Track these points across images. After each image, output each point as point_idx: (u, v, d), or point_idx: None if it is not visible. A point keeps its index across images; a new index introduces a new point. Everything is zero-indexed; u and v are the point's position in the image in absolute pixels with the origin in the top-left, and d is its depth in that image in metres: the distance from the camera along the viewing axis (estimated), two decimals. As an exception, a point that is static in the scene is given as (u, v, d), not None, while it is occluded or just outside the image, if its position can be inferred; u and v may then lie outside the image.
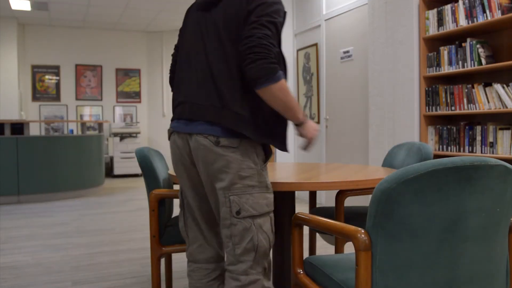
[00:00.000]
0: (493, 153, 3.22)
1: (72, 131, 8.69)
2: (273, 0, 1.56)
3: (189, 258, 1.77)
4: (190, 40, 1.68)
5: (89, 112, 9.50)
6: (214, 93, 1.57)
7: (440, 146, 3.65)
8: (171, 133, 1.72)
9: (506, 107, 3.10)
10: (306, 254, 3.27)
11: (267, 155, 1.63)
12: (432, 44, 3.76)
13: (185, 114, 1.64)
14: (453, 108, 3.51)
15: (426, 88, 3.73)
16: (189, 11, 1.77)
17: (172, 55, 1.86)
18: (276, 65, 1.48)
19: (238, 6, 1.55)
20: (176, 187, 2.18)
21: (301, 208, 5.29)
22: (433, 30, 3.64)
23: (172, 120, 1.73)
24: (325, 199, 5.52)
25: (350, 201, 4.76)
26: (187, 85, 1.66)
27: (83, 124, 8.08)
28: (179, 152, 1.68)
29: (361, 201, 4.60)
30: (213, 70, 1.58)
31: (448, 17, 3.51)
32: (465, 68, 3.38)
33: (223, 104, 1.55)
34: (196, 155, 1.61)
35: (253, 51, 1.47)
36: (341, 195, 2.15)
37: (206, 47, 1.61)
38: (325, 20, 5.39)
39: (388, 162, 2.67)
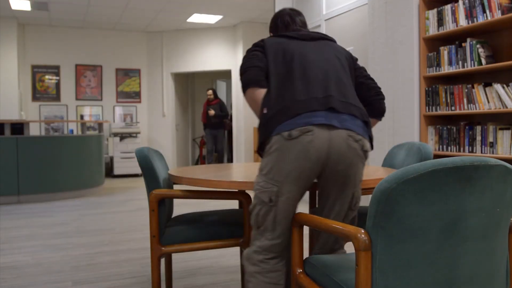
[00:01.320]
0: (493, 153, 3.22)
1: (72, 131, 8.69)
2: None
3: (272, 250, 1.75)
4: (308, 57, 1.81)
5: (89, 112, 9.50)
6: (351, 96, 1.76)
7: (440, 146, 3.65)
8: (308, 130, 1.61)
9: (506, 107, 3.10)
10: (306, 254, 3.27)
11: None
12: (432, 44, 3.76)
13: (329, 105, 1.65)
14: (453, 108, 3.51)
15: (426, 88, 3.73)
16: (284, 39, 1.91)
17: (253, 66, 1.84)
18: None
19: (339, 47, 1.94)
20: (176, 187, 2.18)
21: (301, 208, 5.29)
22: (433, 30, 3.64)
23: (297, 113, 1.63)
24: (325, 199, 5.51)
25: (350, 201, 4.75)
26: (324, 87, 1.71)
27: (83, 124, 8.07)
28: (313, 152, 1.61)
29: (361, 201, 4.60)
30: (346, 85, 1.78)
31: (448, 17, 3.51)
32: (465, 68, 3.38)
33: (357, 104, 1.75)
34: (343, 157, 1.64)
35: (381, 91, 1.95)
36: (341, 195, 2.15)
37: (326, 64, 1.80)
38: (325, 20, 5.39)
39: (388, 162, 2.67)
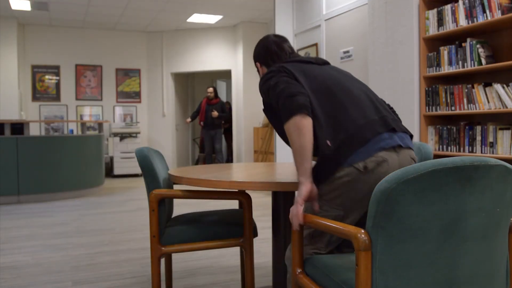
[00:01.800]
0: (493, 153, 3.22)
1: (72, 131, 8.69)
2: None
3: None
4: (341, 79, 1.78)
5: (89, 112, 9.50)
6: (392, 113, 1.80)
7: (440, 146, 3.65)
8: (383, 160, 1.58)
9: (506, 107, 3.10)
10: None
11: None
12: (432, 44, 3.76)
13: (390, 125, 1.66)
14: (453, 108, 3.51)
15: (426, 88, 3.73)
16: (304, 64, 1.85)
17: (301, 92, 1.66)
18: None
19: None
20: (176, 187, 2.18)
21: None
22: (433, 30, 3.64)
23: (366, 139, 1.59)
24: (325, 199, 5.51)
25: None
26: (368, 108, 1.70)
27: (83, 124, 8.07)
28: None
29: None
30: (384, 103, 1.85)
31: (448, 17, 3.51)
32: (465, 68, 3.38)
33: (399, 119, 1.79)
34: None
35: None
36: (341, 195, 2.15)
37: (358, 84, 1.81)
38: (325, 20, 5.39)
39: (388, 162, 2.67)
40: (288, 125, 1.61)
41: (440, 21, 3.58)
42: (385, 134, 1.63)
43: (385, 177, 1.23)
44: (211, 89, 8.63)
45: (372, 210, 1.24)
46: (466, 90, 3.40)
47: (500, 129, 3.18)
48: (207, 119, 8.60)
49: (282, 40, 2.03)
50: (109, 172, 9.40)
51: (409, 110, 3.82)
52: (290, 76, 1.74)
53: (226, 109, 8.71)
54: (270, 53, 1.98)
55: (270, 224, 4.56)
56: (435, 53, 3.64)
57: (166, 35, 9.62)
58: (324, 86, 1.71)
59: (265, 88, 1.77)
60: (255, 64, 2.07)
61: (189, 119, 8.83)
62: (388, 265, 1.24)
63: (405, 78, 3.87)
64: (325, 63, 1.91)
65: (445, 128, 3.61)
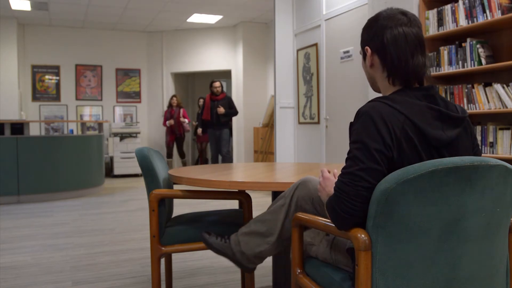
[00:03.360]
0: (493, 153, 3.22)
1: (72, 131, 8.69)
2: None
3: None
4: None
5: (89, 112, 9.50)
6: None
7: (440, 146, 3.65)
8: None
9: (506, 107, 3.10)
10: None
11: None
12: (432, 44, 3.76)
13: None
14: (453, 108, 3.51)
15: (426, 88, 3.73)
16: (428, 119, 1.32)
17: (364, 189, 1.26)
18: None
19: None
20: (176, 187, 2.18)
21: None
22: (433, 30, 3.64)
23: None
24: (325, 199, 5.51)
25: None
26: None
27: (83, 124, 8.08)
28: None
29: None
30: None
31: (448, 17, 3.51)
32: (465, 68, 3.38)
33: None
34: None
35: None
36: (341, 195, 2.15)
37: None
38: (325, 20, 5.39)
39: (388, 162, 2.67)
40: (328, 209, 1.36)
41: (440, 21, 3.58)
42: None
43: (385, 177, 1.23)
44: (218, 83, 7.60)
45: (372, 210, 1.24)
46: (466, 90, 3.40)
47: (500, 129, 3.18)
48: (212, 117, 7.59)
49: (414, 23, 1.39)
50: (109, 172, 9.40)
51: (409, 110, 3.83)
52: (386, 153, 1.26)
53: (234, 105, 7.71)
54: (395, 45, 1.36)
55: (270, 224, 4.56)
56: (435, 53, 3.64)
57: (166, 35, 9.62)
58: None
59: (350, 130, 1.35)
60: (364, 48, 1.46)
61: (199, 130, 8.13)
62: (388, 265, 1.23)
63: (405, 78, 3.86)
64: (461, 120, 1.38)
65: (445, 128, 3.61)
